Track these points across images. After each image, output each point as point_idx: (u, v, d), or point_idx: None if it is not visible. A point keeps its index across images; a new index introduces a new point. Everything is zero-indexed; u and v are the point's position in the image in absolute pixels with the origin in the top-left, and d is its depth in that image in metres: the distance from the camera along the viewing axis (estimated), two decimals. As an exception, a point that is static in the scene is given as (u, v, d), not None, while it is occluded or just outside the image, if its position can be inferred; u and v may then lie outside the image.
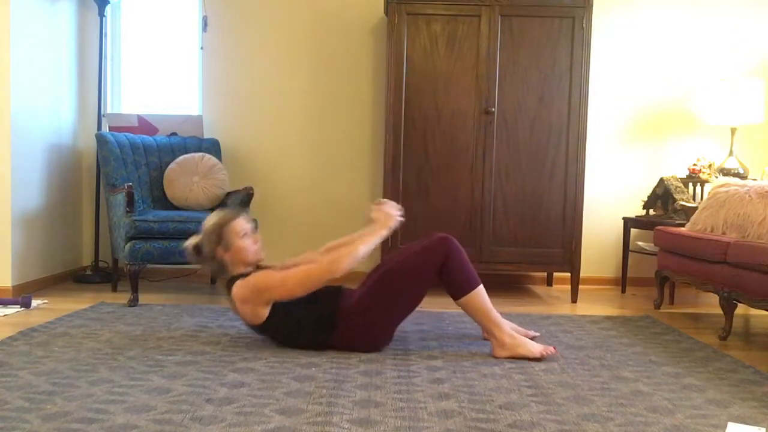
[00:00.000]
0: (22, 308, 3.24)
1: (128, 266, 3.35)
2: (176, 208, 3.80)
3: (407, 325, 2.93)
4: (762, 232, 2.99)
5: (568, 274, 3.88)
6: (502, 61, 3.73)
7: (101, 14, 4.14)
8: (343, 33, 4.31)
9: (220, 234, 2.53)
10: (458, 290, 2.46)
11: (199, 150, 3.99)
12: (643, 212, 4.07)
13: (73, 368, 2.21)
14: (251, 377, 2.14)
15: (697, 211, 3.42)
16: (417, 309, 2.53)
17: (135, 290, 3.34)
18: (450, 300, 2.51)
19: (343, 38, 4.31)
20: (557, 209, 3.76)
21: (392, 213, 2.54)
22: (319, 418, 1.78)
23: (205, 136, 4.21)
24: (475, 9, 3.70)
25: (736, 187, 3.27)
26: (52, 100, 3.95)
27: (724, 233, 3.19)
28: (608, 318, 3.27)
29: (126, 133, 3.93)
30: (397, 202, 3.73)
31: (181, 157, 3.88)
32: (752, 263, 2.72)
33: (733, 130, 4.06)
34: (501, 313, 2.54)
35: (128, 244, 3.34)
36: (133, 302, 3.32)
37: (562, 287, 4.24)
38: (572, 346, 2.67)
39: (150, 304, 3.36)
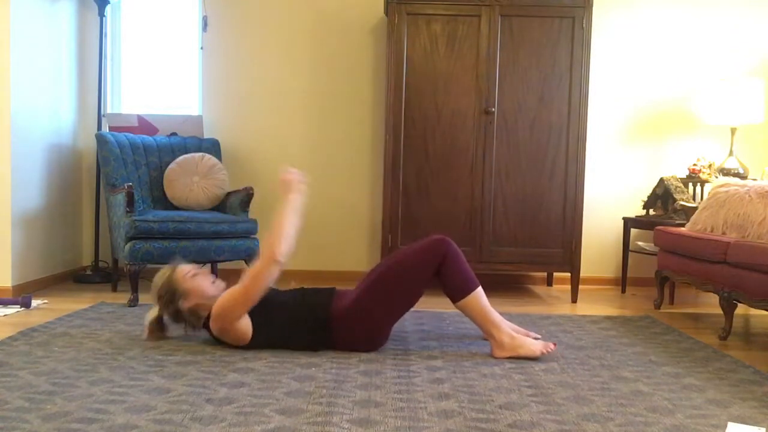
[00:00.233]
0: (22, 308, 3.24)
1: (128, 266, 3.34)
2: (176, 208, 3.80)
3: (407, 325, 2.93)
4: (762, 232, 2.99)
5: (568, 274, 3.88)
6: (502, 61, 3.73)
7: (101, 14, 4.14)
8: (343, 33, 4.31)
9: (171, 289, 2.49)
10: (457, 293, 2.46)
11: (199, 150, 3.99)
12: (643, 212, 4.07)
13: (73, 368, 2.21)
14: (251, 377, 2.14)
15: (697, 211, 3.42)
16: (417, 309, 2.53)
17: (135, 290, 3.34)
18: (450, 300, 2.51)
19: (343, 38, 4.31)
20: (557, 209, 3.76)
21: (290, 178, 2.45)
22: (319, 418, 1.78)
23: (205, 136, 4.22)
24: (475, 9, 3.70)
25: (736, 187, 3.27)
26: (52, 100, 3.95)
27: (724, 233, 3.19)
28: (608, 318, 3.27)
29: (126, 133, 3.92)
30: (397, 202, 3.77)
31: (181, 157, 3.87)
32: (752, 263, 2.72)
33: (733, 130, 4.06)
34: (501, 313, 2.54)
35: (128, 244, 3.34)
36: (133, 302, 3.33)
37: (562, 287, 4.24)
38: (572, 346, 2.67)
39: (150, 304, 3.35)
